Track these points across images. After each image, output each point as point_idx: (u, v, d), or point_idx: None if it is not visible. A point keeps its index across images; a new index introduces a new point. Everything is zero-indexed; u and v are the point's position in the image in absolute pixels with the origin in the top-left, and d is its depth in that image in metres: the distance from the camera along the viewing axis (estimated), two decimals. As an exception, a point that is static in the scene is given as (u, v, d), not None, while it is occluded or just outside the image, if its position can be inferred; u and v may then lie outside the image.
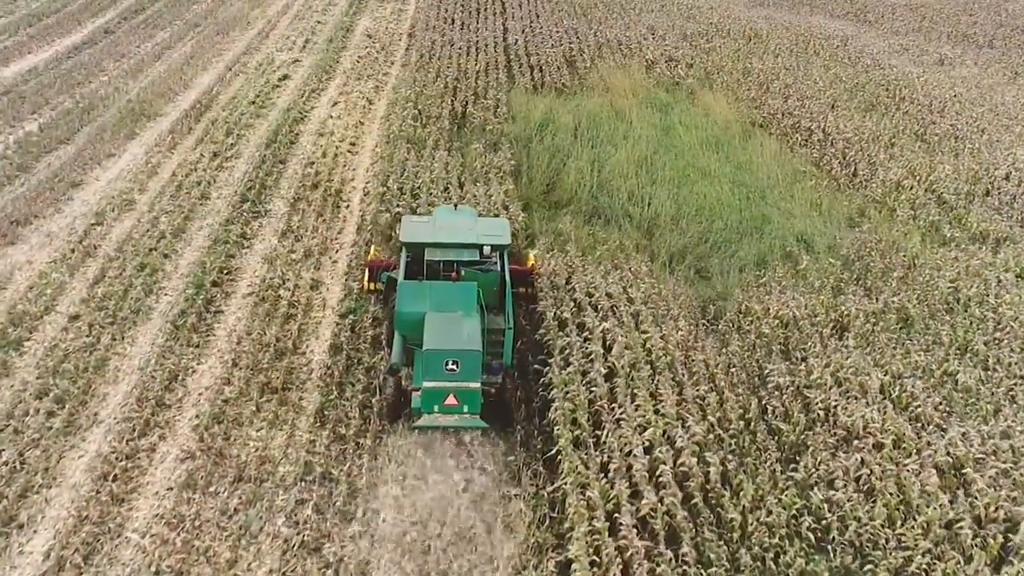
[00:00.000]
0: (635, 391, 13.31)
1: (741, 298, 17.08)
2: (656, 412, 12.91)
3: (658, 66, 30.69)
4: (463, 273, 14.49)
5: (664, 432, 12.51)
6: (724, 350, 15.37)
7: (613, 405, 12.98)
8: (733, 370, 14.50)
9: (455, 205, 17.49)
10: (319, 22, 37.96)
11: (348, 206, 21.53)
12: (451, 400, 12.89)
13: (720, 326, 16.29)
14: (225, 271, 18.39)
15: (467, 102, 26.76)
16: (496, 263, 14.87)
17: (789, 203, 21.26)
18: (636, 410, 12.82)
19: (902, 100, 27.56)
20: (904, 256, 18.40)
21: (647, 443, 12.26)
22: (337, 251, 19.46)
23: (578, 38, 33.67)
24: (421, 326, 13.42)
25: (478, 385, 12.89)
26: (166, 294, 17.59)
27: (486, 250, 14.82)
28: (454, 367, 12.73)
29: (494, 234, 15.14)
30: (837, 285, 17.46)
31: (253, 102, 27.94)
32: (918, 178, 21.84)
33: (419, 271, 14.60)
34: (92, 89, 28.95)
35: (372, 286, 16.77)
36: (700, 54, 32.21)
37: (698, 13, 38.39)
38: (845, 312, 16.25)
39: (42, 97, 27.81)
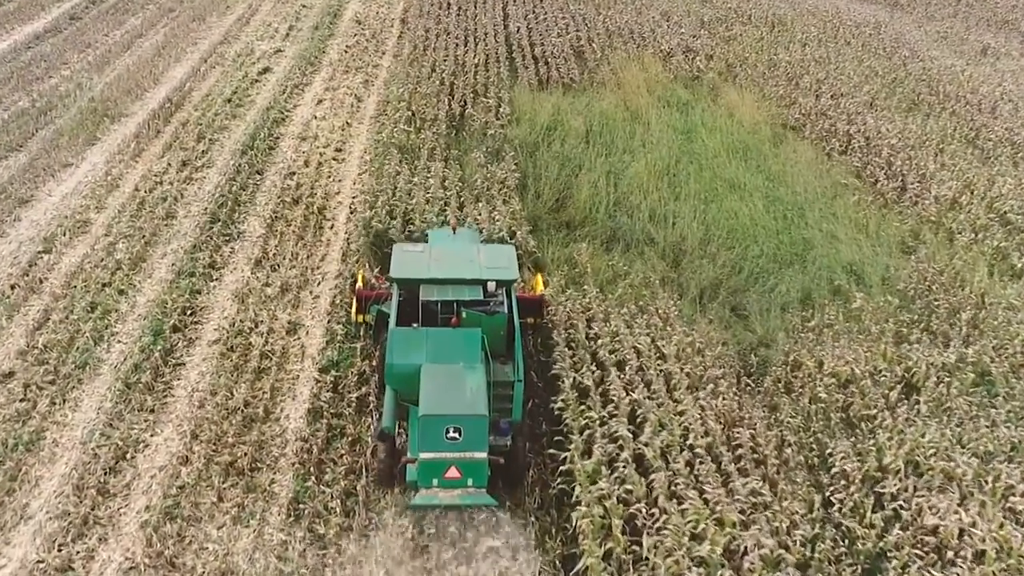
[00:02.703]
0: (677, 486, 10.91)
1: (787, 347, 14.67)
2: (711, 512, 10.53)
3: (675, 57, 27.95)
4: (464, 315, 12.23)
5: (718, 542, 10.14)
6: (773, 419, 12.99)
7: (653, 509, 10.56)
8: (789, 450, 12.10)
9: (453, 228, 15.08)
10: (304, 6, 35.04)
11: (332, 226, 19.01)
12: (453, 473, 10.84)
13: (766, 384, 13.90)
14: (189, 311, 15.94)
15: (465, 101, 24.09)
16: (502, 302, 12.63)
17: (832, 224, 18.76)
18: (683, 515, 10.43)
19: (946, 98, 24.90)
20: (971, 292, 15.97)
21: (700, 559, 9.93)
22: (319, 283, 17.00)
23: (586, 25, 30.84)
24: (416, 380, 11.37)
25: (484, 455, 10.83)
26: (119, 341, 15.15)
27: (490, 286, 12.60)
28: (456, 435, 10.71)
29: (499, 266, 12.91)
30: (898, 330, 15.04)
31: (229, 100, 25.27)
32: (976, 193, 19.33)
33: (414, 312, 12.35)
34: (52, 85, 26.26)
35: (361, 318, 14.63)
36: (720, 44, 29.44)
37: (714, -4, 35.49)
38: (912, 367, 13.86)
39: (-6, 96, 25.16)
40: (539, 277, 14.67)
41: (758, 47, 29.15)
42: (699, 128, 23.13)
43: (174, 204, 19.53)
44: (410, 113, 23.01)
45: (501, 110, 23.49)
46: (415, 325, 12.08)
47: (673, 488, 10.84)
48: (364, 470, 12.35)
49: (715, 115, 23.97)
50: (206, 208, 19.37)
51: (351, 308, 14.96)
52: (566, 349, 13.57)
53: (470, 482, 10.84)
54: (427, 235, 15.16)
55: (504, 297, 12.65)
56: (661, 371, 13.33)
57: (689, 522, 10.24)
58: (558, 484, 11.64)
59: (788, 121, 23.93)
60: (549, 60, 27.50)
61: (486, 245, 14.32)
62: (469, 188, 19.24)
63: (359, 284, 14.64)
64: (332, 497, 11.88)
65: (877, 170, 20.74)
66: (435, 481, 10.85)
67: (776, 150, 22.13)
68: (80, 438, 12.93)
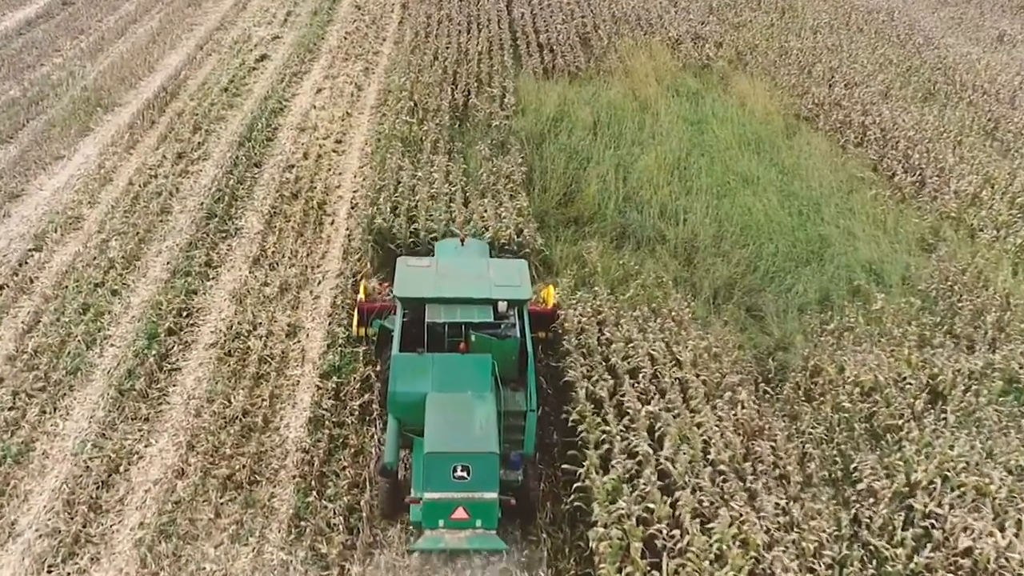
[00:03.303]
0: (702, 505, 10.38)
1: (807, 352, 14.11)
2: (737, 533, 10.00)
3: (683, 45, 27.20)
4: (473, 339, 11.41)
5: (739, 566, 9.63)
6: (795, 429, 12.46)
7: (674, 530, 10.03)
8: (812, 464, 11.57)
9: (462, 240, 14.20)
10: (302, -10, 34.15)
11: (333, 222, 18.41)
12: (460, 514, 10.11)
13: (786, 391, 13.36)
14: (185, 313, 15.35)
15: (469, 91, 23.36)
16: (514, 324, 11.79)
17: (849, 220, 18.15)
18: (708, 535, 9.91)
19: (963, 87, 24.22)
20: (995, 293, 15.41)
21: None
22: (319, 283, 16.41)
23: (592, 11, 30.06)
24: (421, 410, 10.62)
25: (495, 495, 10.07)
26: (112, 345, 14.58)
27: (501, 306, 11.78)
28: (464, 474, 9.94)
29: (510, 284, 12.00)
30: (921, 333, 14.47)
31: (226, 89, 24.55)
32: (997, 188, 18.71)
33: (419, 333, 11.51)
34: (43, 74, 25.51)
35: (362, 331, 13.94)
36: (729, 30, 28.67)
37: (722, -20, 34.61)
38: (937, 373, 13.31)
39: (-16, 85, 24.44)
40: (550, 288, 13.94)
41: (768, 34, 28.40)
42: (710, 119, 22.47)
43: (169, 199, 18.89)
44: (412, 103, 22.30)
45: (506, 100, 22.77)
46: (420, 350, 11.28)
47: (696, 507, 10.30)
48: (368, 483, 11.83)
49: (726, 105, 23.27)
50: (202, 203, 18.74)
51: (352, 319, 14.29)
52: (579, 358, 12.96)
53: (478, 523, 10.12)
54: (434, 246, 14.38)
55: (516, 318, 11.80)
56: (677, 379, 12.77)
57: (716, 542, 9.70)
58: (572, 500, 11.10)
59: (801, 111, 23.25)
60: (554, 47, 26.76)
61: (496, 260, 13.30)
62: (474, 183, 18.60)
63: (360, 295, 13.85)
64: (335, 513, 11.33)
65: (894, 163, 20.11)
66: (441, 522, 10.14)
67: (789, 142, 21.48)
68: (71, 449, 12.39)
